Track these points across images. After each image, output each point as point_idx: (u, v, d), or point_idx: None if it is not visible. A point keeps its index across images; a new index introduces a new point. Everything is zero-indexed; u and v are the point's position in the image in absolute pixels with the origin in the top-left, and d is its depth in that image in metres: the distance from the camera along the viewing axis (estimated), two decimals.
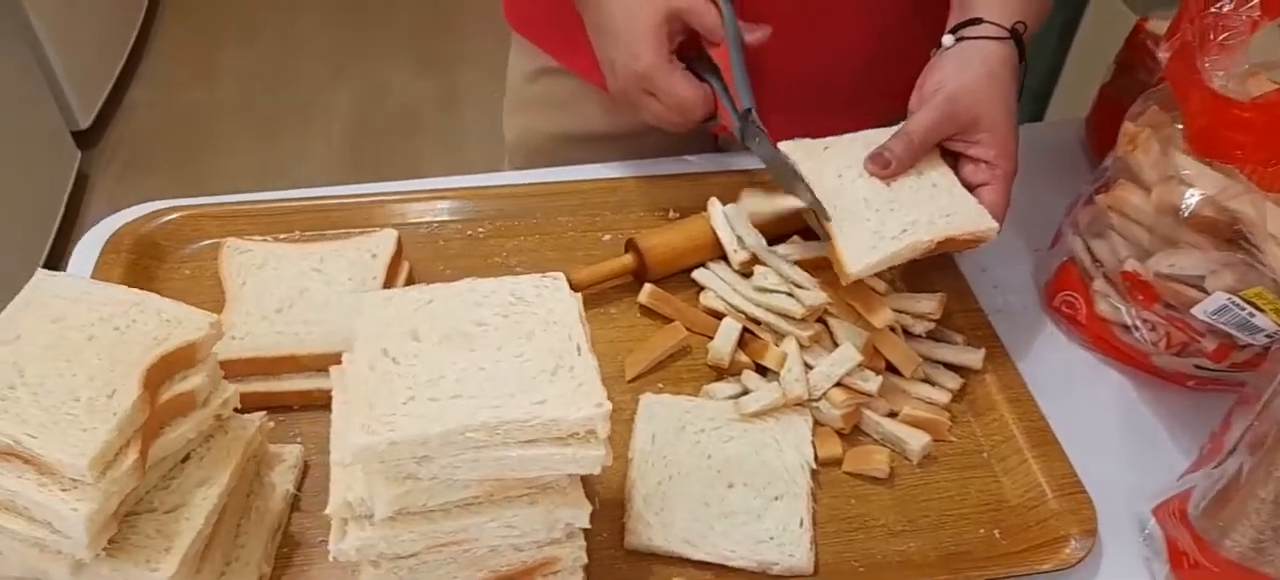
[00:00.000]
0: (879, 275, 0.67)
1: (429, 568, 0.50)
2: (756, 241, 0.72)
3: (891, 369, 0.67)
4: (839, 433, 0.65)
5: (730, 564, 0.57)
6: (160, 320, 0.52)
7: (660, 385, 0.68)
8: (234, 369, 0.61)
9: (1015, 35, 0.68)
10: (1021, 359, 0.70)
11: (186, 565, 0.49)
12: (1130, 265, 0.65)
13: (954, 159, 0.70)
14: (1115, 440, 0.68)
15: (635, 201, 0.82)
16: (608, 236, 0.79)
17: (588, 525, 0.50)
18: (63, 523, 0.45)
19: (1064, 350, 0.73)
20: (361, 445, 0.44)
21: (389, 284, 0.70)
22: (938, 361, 0.69)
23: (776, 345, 0.67)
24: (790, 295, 0.67)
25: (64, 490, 0.45)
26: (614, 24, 0.72)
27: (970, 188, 0.68)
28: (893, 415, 0.66)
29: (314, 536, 0.58)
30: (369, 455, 0.44)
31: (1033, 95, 1.59)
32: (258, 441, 0.56)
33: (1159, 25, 0.80)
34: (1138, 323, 0.67)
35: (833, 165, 0.69)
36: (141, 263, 0.73)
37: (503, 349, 0.49)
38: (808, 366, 0.66)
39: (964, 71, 0.67)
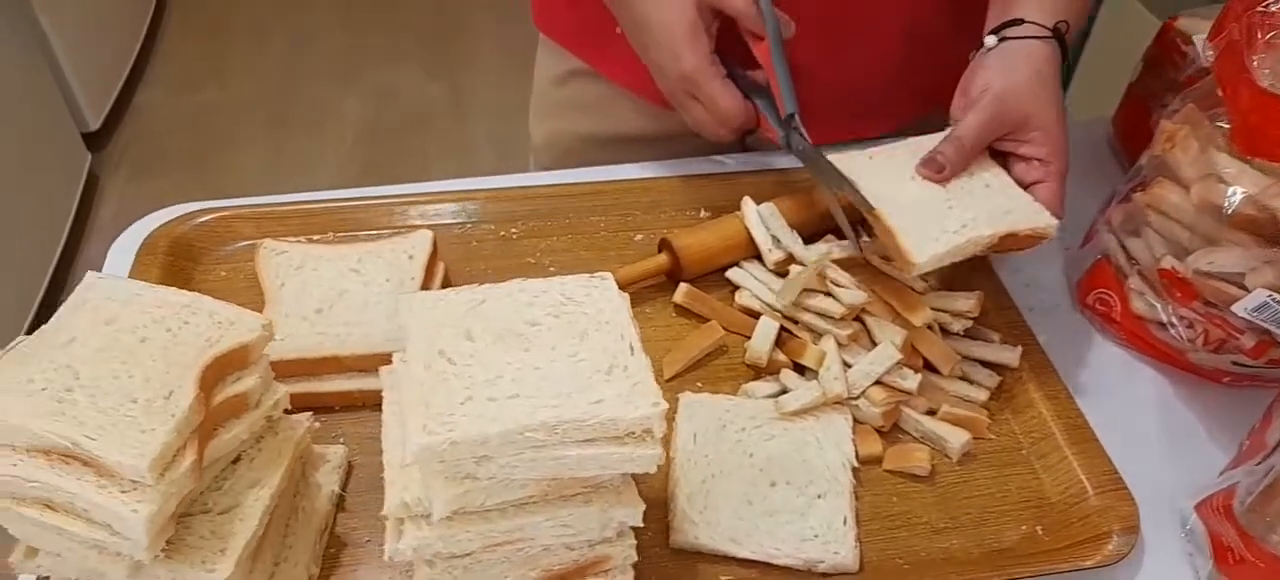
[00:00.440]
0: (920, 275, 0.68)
1: (483, 567, 0.50)
2: (792, 241, 0.72)
3: (929, 367, 0.67)
4: (878, 431, 0.65)
5: (775, 562, 0.58)
6: (212, 322, 0.52)
7: (699, 384, 0.68)
8: (276, 370, 0.60)
9: (1058, 34, 0.68)
10: (1055, 357, 0.70)
11: (241, 566, 0.49)
12: (1168, 262, 0.65)
13: (1004, 159, 0.70)
14: (1151, 437, 0.68)
15: (667, 201, 0.82)
16: (640, 236, 0.79)
17: (640, 524, 0.50)
18: (123, 524, 0.45)
19: (1098, 348, 0.73)
20: (422, 445, 0.44)
21: (426, 285, 0.71)
22: (974, 359, 0.69)
23: (814, 344, 0.67)
24: (828, 294, 0.67)
25: (124, 492, 0.45)
26: (649, 26, 0.72)
27: (1023, 187, 0.68)
28: (931, 413, 0.66)
29: (360, 536, 0.59)
30: (429, 455, 0.45)
31: None
32: (305, 442, 0.56)
33: (1189, 23, 0.81)
34: (1174, 320, 0.68)
35: (883, 171, 0.69)
36: (177, 264, 0.73)
37: (557, 349, 0.49)
38: (846, 365, 0.66)
39: (1011, 72, 0.68)
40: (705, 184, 0.84)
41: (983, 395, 0.67)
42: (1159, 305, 0.69)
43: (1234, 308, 0.61)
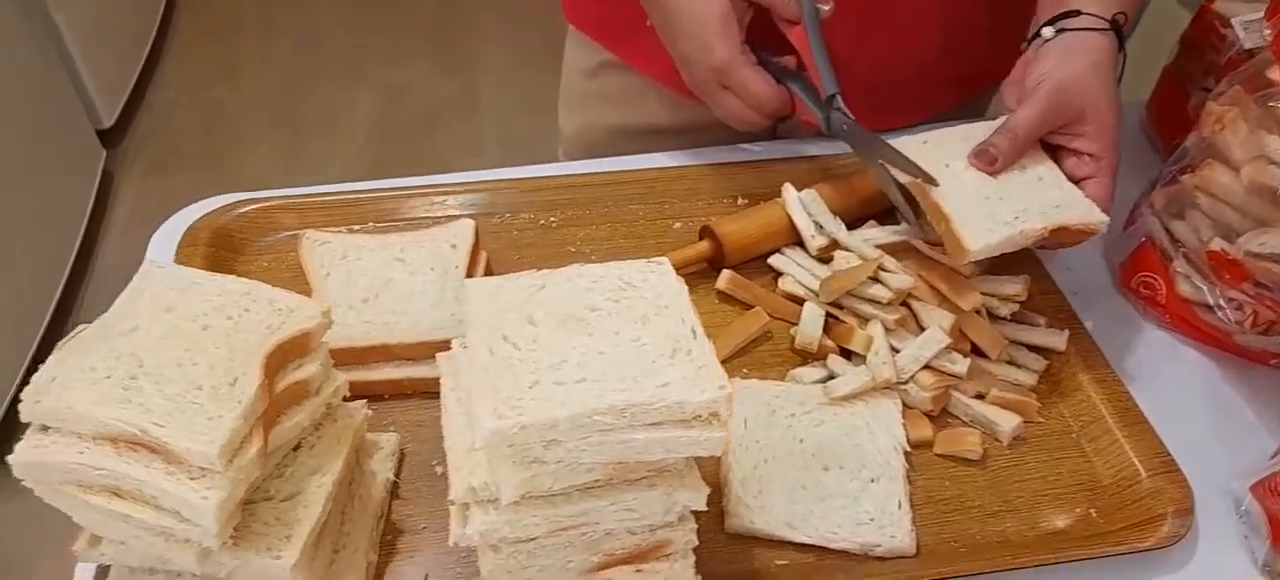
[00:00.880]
0: None
1: (547, 551, 0.50)
2: (836, 227, 0.72)
3: (976, 352, 0.67)
4: (928, 415, 0.65)
5: (832, 546, 0.58)
6: (272, 309, 0.52)
7: (745, 370, 0.68)
8: None
9: (1115, 26, 0.67)
10: (1100, 341, 0.70)
11: (306, 552, 0.49)
12: (1216, 245, 0.65)
13: (1054, 152, 0.70)
14: (1200, 419, 0.68)
15: (703, 189, 0.82)
16: (678, 224, 0.79)
17: (705, 507, 0.50)
18: (192, 511, 0.45)
19: (1142, 331, 0.73)
20: (492, 429, 0.44)
21: (470, 273, 0.71)
22: (1021, 344, 0.69)
23: (861, 329, 0.67)
24: (876, 279, 0.67)
25: (192, 478, 0.45)
26: (680, 18, 0.72)
27: (1074, 181, 0.68)
28: (979, 397, 0.66)
29: (416, 523, 0.59)
30: (499, 439, 0.44)
31: None
32: (362, 430, 0.56)
33: (1227, 6, 0.80)
34: (1221, 302, 0.67)
35: (937, 157, 0.69)
36: (219, 255, 0.73)
37: (620, 333, 0.49)
38: (894, 350, 0.66)
39: (1068, 64, 0.67)
40: (739, 172, 0.83)
41: (1031, 379, 0.67)
42: (1206, 288, 0.69)
43: None
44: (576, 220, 0.79)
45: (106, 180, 2.15)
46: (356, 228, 0.76)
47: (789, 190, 0.75)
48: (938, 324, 0.66)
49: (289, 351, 0.51)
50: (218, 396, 0.47)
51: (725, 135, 0.87)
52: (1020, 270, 0.72)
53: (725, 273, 0.72)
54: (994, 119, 0.71)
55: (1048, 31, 0.69)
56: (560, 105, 1.00)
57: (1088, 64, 0.67)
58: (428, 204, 0.78)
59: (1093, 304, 0.74)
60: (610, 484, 0.49)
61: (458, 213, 0.78)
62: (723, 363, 0.67)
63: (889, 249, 0.70)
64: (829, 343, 0.68)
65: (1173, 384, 0.70)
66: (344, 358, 0.64)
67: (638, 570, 0.52)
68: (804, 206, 0.74)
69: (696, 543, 0.53)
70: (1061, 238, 0.66)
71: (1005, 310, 0.68)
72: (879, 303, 0.67)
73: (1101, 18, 0.67)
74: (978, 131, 0.70)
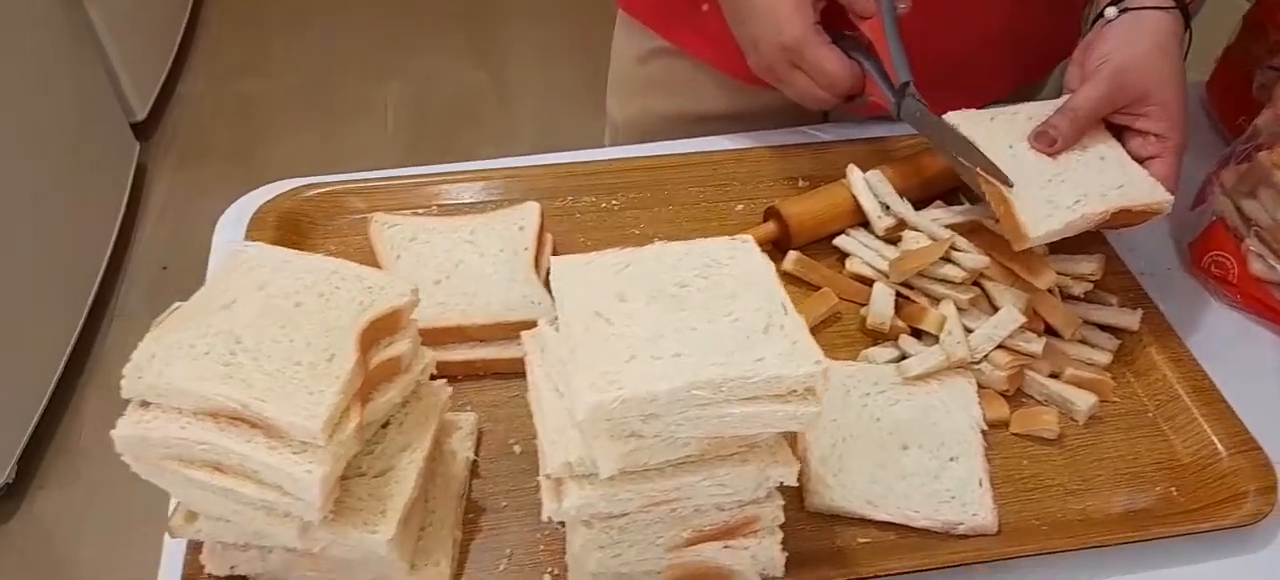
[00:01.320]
0: None
1: (638, 527, 0.51)
2: (903, 208, 0.72)
3: (1049, 331, 0.67)
4: (1002, 395, 0.65)
5: (913, 524, 0.58)
6: (362, 286, 0.52)
7: None
8: None
9: (1181, 6, 0.67)
10: (1170, 321, 0.70)
11: (401, 527, 0.50)
12: None
13: (1119, 133, 0.69)
14: (1273, 399, 0.67)
15: (764, 172, 0.82)
16: (740, 206, 0.79)
17: (796, 483, 0.50)
18: (296, 485, 0.46)
19: (1213, 310, 0.73)
20: (594, 403, 0.44)
21: (537, 255, 0.71)
22: (1092, 323, 0.68)
23: (932, 308, 0.67)
24: (948, 259, 0.67)
25: (294, 453, 0.46)
26: (754, 1, 0.71)
27: (1138, 161, 0.67)
28: (1053, 377, 0.65)
29: (497, 501, 0.59)
30: (599, 413, 0.45)
31: None
32: (446, 408, 0.56)
33: None
34: None
35: (1001, 135, 0.69)
36: (288, 239, 0.73)
37: (711, 309, 0.49)
38: (966, 329, 0.66)
39: (1132, 45, 0.66)
40: (799, 154, 0.83)
41: (1104, 359, 0.67)
42: (1279, 266, 0.68)
43: None
44: (637, 203, 0.79)
45: (140, 173, 2.17)
46: (421, 211, 0.77)
47: (854, 171, 0.75)
48: (1012, 303, 0.65)
49: (381, 329, 0.51)
50: (316, 372, 0.47)
51: (779, 121, 0.87)
52: (1089, 249, 0.72)
53: (792, 254, 0.72)
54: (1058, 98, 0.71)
55: (1111, 11, 0.69)
56: (609, 93, 1.00)
57: (1151, 44, 0.67)
58: (490, 187, 0.79)
59: (1162, 285, 0.73)
60: (704, 459, 0.49)
61: (521, 196, 0.78)
62: None
63: (959, 229, 0.69)
64: (900, 323, 0.68)
65: (1246, 363, 0.69)
66: (421, 339, 0.64)
67: (726, 546, 0.53)
68: (870, 187, 0.74)
69: (783, 519, 0.53)
70: (1124, 219, 0.66)
71: (1079, 289, 0.68)
72: (952, 282, 0.67)
73: None
74: (1043, 111, 0.70)
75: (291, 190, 0.76)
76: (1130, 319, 0.68)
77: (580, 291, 0.50)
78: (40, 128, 1.74)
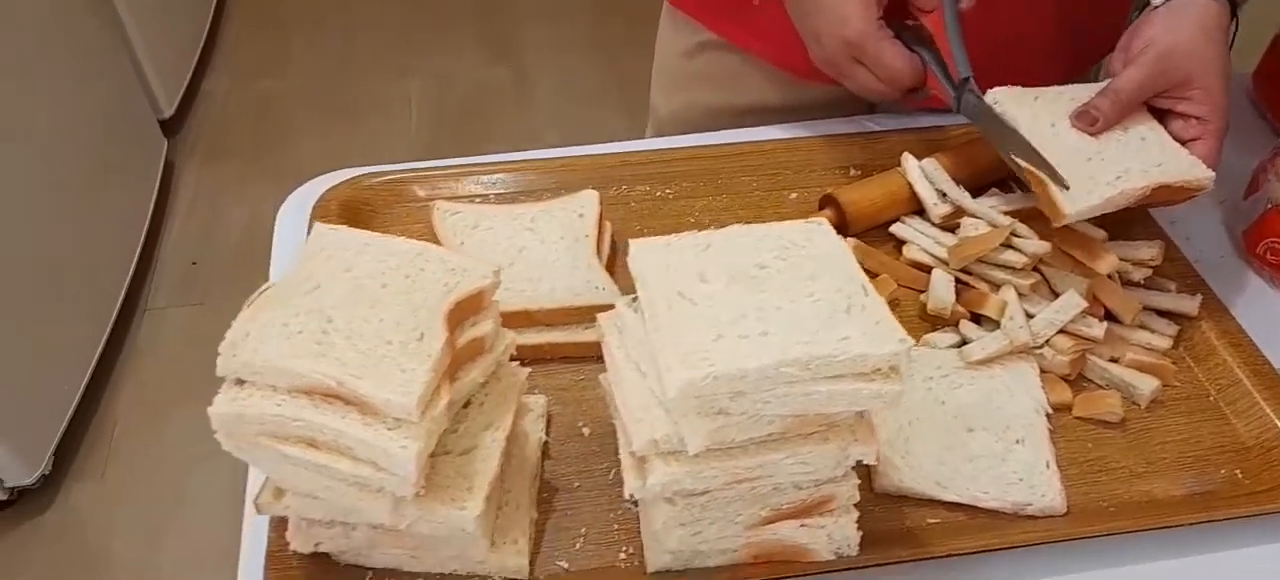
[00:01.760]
0: (1096, 222, 0.68)
1: (719, 504, 0.51)
2: (960, 195, 0.73)
3: (1108, 316, 0.67)
4: (1064, 379, 0.65)
5: (982, 505, 0.58)
6: (444, 268, 0.53)
7: None
8: None
9: None
10: (1227, 306, 0.70)
11: (486, 505, 0.51)
12: None
13: (1161, 116, 0.70)
14: None
15: (817, 161, 0.82)
16: (794, 195, 0.80)
17: (876, 462, 0.51)
18: (391, 461, 0.46)
19: (1269, 298, 0.74)
20: (685, 380, 0.45)
21: (598, 243, 0.72)
22: (1151, 309, 0.69)
23: (993, 294, 0.68)
24: (1009, 245, 0.68)
25: (388, 429, 0.47)
26: None
27: (1180, 143, 0.68)
28: (1114, 362, 0.66)
29: (569, 482, 0.60)
30: (690, 389, 0.45)
31: None
32: (523, 389, 0.57)
33: None
34: None
35: (1045, 115, 0.69)
36: (350, 226, 0.74)
37: (792, 289, 0.50)
38: (1028, 314, 0.66)
39: (1176, 30, 0.67)
40: (849, 143, 0.84)
41: (1165, 344, 0.67)
42: None
43: None
44: (691, 192, 0.80)
45: (168, 169, 2.18)
46: (478, 200, 0.77)
47: (909, 160, 0.76)
48: (1073, 288, 0.66)
49: (465, 309, 0.52)
50: (408, 350, 0.48)
51: (827, 113, 0.88)
52: (1144, 237, 0.72)
53: (850, 240, 0.73)
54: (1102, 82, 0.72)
55: None
56: (654, 85, 1.00)
57: (1195, 30, 0.67)
58: (547, 176, 0.79)
59: (1215, 272, 0.74)
60: (786, 437, 0.50)
61: (577, 185, 0.78)
62: None
63: (1016, 215, 0.70)
64: (960, 308, 0.69)
65: None
66: None
67: (802, 524, 0.53)
68: (926, 175, 0.74)
69: (858, 498, 0.54)
70: (1165, 195, 0.67)
71: (1138, 275, 0.69)
72: (1012, 268, 0.67)
73: None
74: (1086, 94, 0.70)
75: (352, 178, 0.77)
76: (1190, 305, 0.68)
77: (661, 273, 0.51)
78: (73, 126, 1.75)
